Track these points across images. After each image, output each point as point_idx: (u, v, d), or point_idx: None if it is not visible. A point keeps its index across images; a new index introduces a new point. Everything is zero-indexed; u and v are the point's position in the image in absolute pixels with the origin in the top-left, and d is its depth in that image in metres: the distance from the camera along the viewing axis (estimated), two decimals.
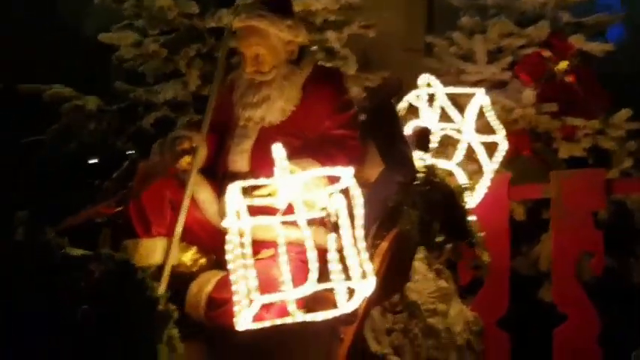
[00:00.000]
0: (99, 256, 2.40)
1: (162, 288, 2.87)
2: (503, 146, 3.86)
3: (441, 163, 3.41)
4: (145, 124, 4.82)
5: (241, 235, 2.78)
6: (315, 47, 3.50)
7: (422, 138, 3.47)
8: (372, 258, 3.00)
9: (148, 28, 4.79)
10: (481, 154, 3.76)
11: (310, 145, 3.21)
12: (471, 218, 3.44)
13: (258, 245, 3.10)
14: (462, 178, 3.41)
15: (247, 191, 2.84)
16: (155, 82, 4.97)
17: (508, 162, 4.92)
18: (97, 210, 3.01)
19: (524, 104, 4.77)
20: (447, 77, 5.21)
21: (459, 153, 3.47)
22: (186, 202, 3.14)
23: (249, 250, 2.75)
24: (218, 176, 3.32)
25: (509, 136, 4.86)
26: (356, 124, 3.27)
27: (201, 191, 3.23)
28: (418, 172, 3.13)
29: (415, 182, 3.11)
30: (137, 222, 3.16)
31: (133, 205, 3.17)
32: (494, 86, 5.05)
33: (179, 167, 3.24)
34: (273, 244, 2.97)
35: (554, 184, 4.18)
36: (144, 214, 3.16)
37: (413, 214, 2.98)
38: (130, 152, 4.02)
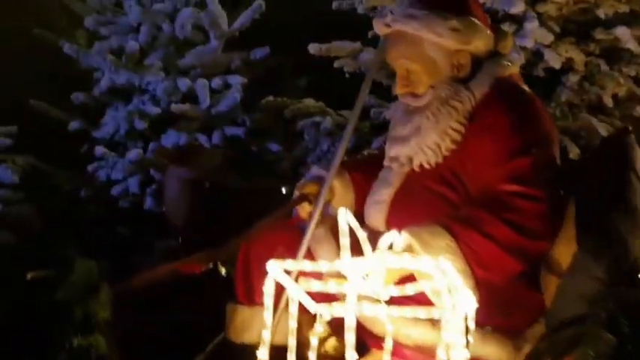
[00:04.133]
0: None
1: None
2: None
3: None
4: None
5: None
6: (509, 60, 2.33)
7: None
8: None
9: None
10: None
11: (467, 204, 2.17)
12: None
13: (376, 341, 2.18)
14: None
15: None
16: None
17: None
18: (173, 268, 2.25)
19: None
20: None
21: None
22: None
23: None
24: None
25: None
26: (541, 175, 2.11)
27: (322, 250, 2.35)
28: None
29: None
30: (240, 281, 2.41)
31: (240, 257, 2.43)
32: None
33: (301, 217, 2.43)
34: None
35: None
36: (248, 274, 2.40)
37: (605, 338, 1.78)
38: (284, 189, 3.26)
